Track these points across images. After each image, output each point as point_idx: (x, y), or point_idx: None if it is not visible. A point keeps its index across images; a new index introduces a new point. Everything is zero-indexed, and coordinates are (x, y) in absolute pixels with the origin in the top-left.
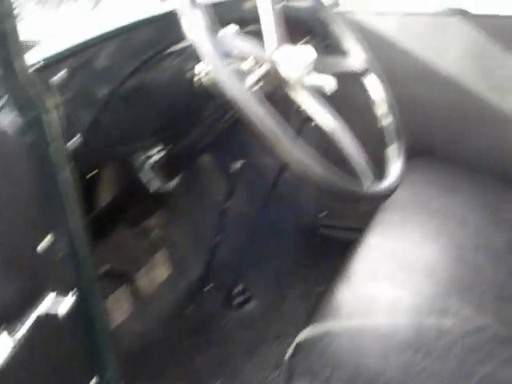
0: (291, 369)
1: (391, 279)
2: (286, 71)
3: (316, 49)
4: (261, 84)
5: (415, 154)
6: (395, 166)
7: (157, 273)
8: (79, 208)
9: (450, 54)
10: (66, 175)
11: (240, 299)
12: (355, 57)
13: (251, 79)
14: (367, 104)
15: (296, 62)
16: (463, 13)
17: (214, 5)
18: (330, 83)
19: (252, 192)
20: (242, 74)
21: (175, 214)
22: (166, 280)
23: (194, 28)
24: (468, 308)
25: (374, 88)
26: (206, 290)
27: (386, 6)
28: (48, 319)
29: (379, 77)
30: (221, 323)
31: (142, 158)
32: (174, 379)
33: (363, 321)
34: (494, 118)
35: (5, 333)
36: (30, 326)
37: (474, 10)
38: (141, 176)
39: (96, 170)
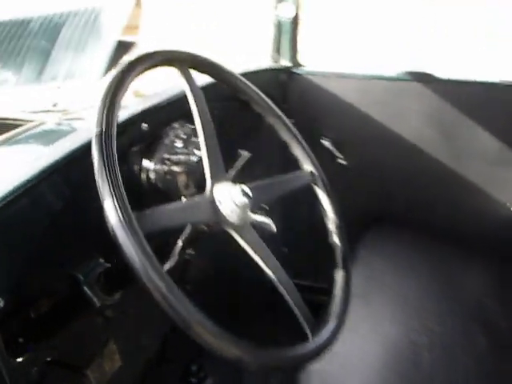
0: None
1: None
2: (227, 210)
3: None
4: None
5: (375, 217)
6: (338, 308)
7: (108, 365)
8: None
9: (411, 119)
10: None
11: (196, 379)
12: (302, 169)
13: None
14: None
15: (238, 203)
16: (426, 77)
17: None
18: (270, 225)
19: (207, 268)
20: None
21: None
22: (116, 372)
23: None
24: None
25: (321, 201)
26: (161, 370)
27: (347, 67)
28: None
29: (325, 189)
30: None
31: (87, 269)
32: None
33: None
34: (452, 183)
35: None
36: None
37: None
38: (85, 289)
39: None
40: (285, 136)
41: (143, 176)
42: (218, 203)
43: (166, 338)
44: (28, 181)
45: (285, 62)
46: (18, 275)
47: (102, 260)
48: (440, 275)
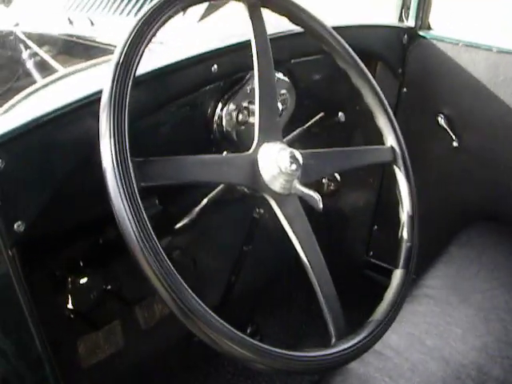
0: None
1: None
2: (268, 175)
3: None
4: None
5: (481, 214)
6: (380, 315)
7: (158, 307)
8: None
9: None
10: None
11: None
12: (385, 143)
13: None
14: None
15: (283, 168)
16: None
17: None
18: (317, 201)
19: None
20: None
21: (188, 251)
22: (167, 315)
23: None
24: None
25: (399, 184)
26: None
27: (481, 38)
28: None
29: (405, 171)
30: (224, 363)
31: None
32: None
33: None
34: None
35: None
36: None
37: None
38: None
39: None
40: (370, 102)
41: (215, 120)
42: (260, 165)
43: (226, 293)
44: (82, 99)
45: (412, 22)
46: (56, 198)
47: (156, 201)
48: None
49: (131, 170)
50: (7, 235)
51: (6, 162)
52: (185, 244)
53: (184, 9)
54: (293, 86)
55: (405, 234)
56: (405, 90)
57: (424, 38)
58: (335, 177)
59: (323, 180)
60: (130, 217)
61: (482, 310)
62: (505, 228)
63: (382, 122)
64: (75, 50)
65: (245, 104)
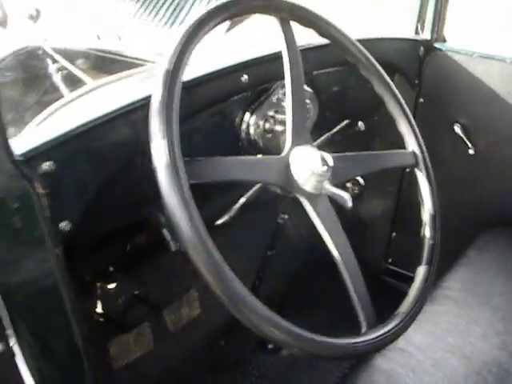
0: None
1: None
2: (300, 176)
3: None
4: None
5: (498, 219)
6: (407, 308)
7: (186, 311)
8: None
9: None
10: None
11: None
12: (406, 147)
13: None
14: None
15: (315, 170)
16: None
17: None
18: (346, 200)
19: (300, 239)
20: None
21: None
22: (194, 319)
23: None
24: None
25: (420, 186)
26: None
27: (495, 49)
28: None
29: (427, 174)
30: (249, 367)
31: None
32: None
33: None
34: None
35: None
36: None
37: None
38: (164, 231)
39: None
40: (392, 109)
41: (243, 129)
42: (292, 167)
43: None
44: (123, 107)
45: (427, 35)
46: (96, 202)
47: None
48: None
49: (183, 168)
50: (55, 234)
51: (57, 163)
52: None
53: (221, 22)
54: (315, 96)
55: (427, 233)
56: (421, 100)
57: (439, 50)
58: (359, 181)
59: (347, 184)
60: (185, 213)
61: (501, 311)
62: None
63: (404, 128)
64: (103, 64)
65: (271, 113)
